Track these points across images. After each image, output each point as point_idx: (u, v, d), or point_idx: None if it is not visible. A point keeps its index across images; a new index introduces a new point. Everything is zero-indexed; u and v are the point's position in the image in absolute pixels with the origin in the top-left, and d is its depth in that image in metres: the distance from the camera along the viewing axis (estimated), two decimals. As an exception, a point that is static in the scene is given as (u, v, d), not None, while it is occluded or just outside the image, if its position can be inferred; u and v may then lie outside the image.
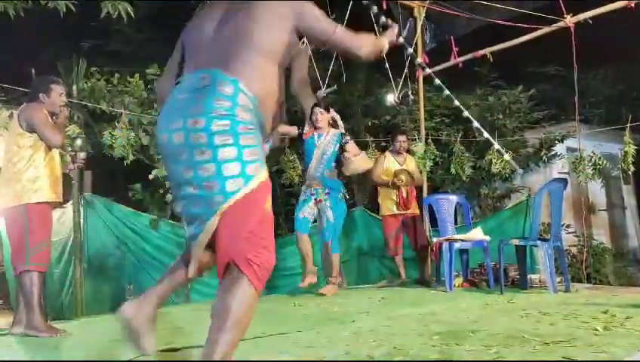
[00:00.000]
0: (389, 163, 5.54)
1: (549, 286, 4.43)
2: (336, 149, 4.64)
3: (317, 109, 4.80)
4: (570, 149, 7.30)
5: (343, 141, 4.66)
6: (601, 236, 8.23)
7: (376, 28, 5.81)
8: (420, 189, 5.80)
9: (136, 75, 5.46)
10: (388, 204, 5.50)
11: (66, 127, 3.71)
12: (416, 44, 6.56)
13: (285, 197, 8.66)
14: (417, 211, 5.48)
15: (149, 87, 5.48)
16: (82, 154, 3.11)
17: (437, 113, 7.44)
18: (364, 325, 3.08)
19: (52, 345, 2.85)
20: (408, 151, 5.75)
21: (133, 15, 4.92)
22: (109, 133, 4.94)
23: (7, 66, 5.85)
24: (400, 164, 5.52)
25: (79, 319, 4.50)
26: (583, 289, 4.74)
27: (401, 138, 5.64)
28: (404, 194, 5.41)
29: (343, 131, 4.83)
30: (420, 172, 5.88)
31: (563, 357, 2.09)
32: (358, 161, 4.65)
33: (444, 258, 4.77)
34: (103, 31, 7.63)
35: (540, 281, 4.98)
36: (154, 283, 2.03)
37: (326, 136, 4.73)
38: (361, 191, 8.08)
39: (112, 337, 2.96)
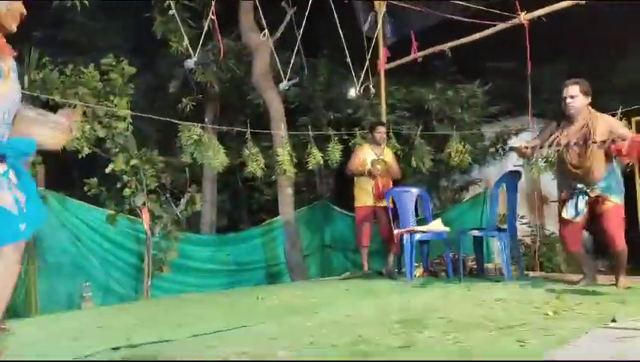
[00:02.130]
0: (367, 154, 5.59)
1: (504, 274, 4.58)
2: None
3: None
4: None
5: None
6: (553, 226, 8.55)
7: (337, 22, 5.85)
8: (396, 182, 5.85)
9: (91, 66, 5.28)
10: (363, 196, 5.55)
11: None
12: (377, 39, 6.62)
13: (247, 191, 8.60)
14: (391, 203, 5.52)
15: (104, 77, 5.31)
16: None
17: (398, 107, 7.54)
18: (328, 316, 3.11)
19: None
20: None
21: (87, 3, 4.77)
22: (63, 125, 4.76)
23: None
24: (377, 156, 5.59)
25: (33, 317, 4.35)
26: (536, 276, 4.93)
27: (381, 129, 5.71)
28: (380, 185, 5.46)
29: None
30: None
31: (517, 340, 2.17)
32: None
33: (405, 249, 4.86)
34: (56, 20, 7.34)
35: (495, 270, 5.15)
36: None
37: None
38: (324, 184, 8.11)
39: (64, 335, 2.88)
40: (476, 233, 4.88)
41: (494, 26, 5.72)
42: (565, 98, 3.97)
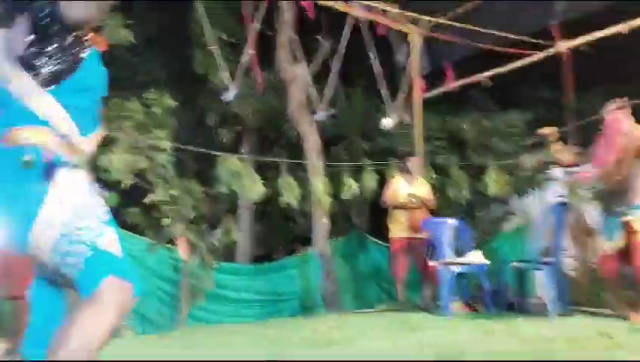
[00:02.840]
0: (400, 185, 5.55)
1: (549, 310, 4.39)
2: None
3: None
4: (566, 172, 7.34)
5: None
6: (600, 259, 8.19)
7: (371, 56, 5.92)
8: (432, 213, 5.75)
9: (134, 99, 5.49)
10: (397, 227, 5.48)
11: None
12: (412, 69, 6.65)
13: (283, 220, 8.63)
14: (428, 234, 5.40)
15: (147, 111, 5.51)
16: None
17: (434, 137, 7.49)
18: (363, 349, 3.04)
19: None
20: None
21: (133, 40, 5.00)
22: (107, 157, 4.95)
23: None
24: (411, 186, 5.53)
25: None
26: (583, 313, 4.70)
27: (414, 159, 5.68)
28: (415, 217, 5.38)
29: None
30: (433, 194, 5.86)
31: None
32: None
33: (442, 281, 4.74)
34: (104, 57, 7.72)
35: (539, 305, 4.95)
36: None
37: None
38: (359, 214, 8.07)
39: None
40: (518, 266, 4.72)
41: (532, 55, 5.66)
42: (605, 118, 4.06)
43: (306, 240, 7.39)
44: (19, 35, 1.64)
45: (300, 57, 6.02)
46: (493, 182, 6.17)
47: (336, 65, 5.90)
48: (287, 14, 6.00)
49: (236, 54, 6.69)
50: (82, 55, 1.70)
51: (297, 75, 6.51)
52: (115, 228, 1.62)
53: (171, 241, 5.60)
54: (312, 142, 6.62)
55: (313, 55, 6.75)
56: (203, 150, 6.15)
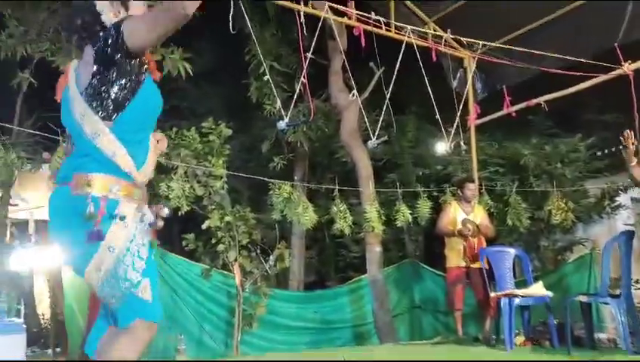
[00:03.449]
0: (457, 212, 5.39)
1: (622, 346, 4.09)
2: None
3: None
4: (634, 200, 6.92)
5: None
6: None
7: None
8: (489, 241, 5.54)
9: (192, 129, 5.67)
10: (455, 256, 5.30)
11: None
12: (467, 94, 6.54)
13: (335, 247, 8.59)
14: (486, 264, 5.17)
15: (204, 139, 5.68)
16: (161, 223, 2.25)
17: (490, 162, 7.28)
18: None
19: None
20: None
21: (191, 73, 5.20)
22: (166, 184, 5.11)
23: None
24: (467, 214, 5.36)
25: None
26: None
27: (472, 186, 5.50)
28: (472, 245, 5.20)
29: None
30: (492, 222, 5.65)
31: None
32: None
33: (503, 314, 4.52)
34: (163, 88, 8.08)
35: (608, 341, 4.62)
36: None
37: None
38: (413, 241, 7.90)
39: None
40: (585, 299, 4.44)
41: (594, 77, 5.44)
42: None
43: (359, 268, 7.30)
44: (85, 65, 1.80)
45: (352, 85, 6.06)
46: (557, 209, 5.88)
47: (388, 92, 5.89)
48: (339, 43, 6.08)
49: (290, 83, 6.83)
50: (141, 79, 1.82)
51: (350, 102, 6.54)
52: (151, 274, 1.80)
53: (226, 267, 5.67)
54: (364, 169, 6.58)
55: (365, 82, 6.79)
56: (256, 177, 6.25)
